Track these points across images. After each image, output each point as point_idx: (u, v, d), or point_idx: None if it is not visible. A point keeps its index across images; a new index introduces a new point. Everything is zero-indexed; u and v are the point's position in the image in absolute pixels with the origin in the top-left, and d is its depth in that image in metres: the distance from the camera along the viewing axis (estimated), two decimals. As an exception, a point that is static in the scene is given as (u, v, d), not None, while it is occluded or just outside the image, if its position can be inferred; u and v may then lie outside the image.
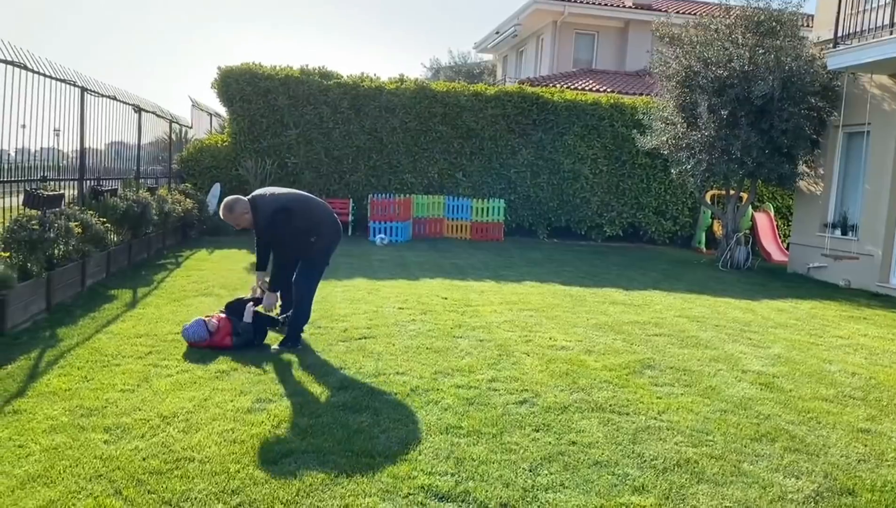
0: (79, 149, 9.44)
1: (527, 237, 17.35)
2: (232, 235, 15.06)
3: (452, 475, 3.81)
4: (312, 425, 4.42)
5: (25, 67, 7.64)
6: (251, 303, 6.40)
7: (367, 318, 7.46)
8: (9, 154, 7.91)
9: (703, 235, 17.74)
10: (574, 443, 4.32)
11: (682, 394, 5.41)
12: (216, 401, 4.80)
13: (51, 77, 8.26)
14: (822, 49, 13.36)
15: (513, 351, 6.36)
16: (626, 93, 20.69)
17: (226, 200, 6.23)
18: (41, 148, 8.70)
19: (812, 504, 3.74)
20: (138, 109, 12.21)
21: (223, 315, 6.36)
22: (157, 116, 13.89)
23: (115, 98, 10.80)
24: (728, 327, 8.04)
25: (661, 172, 17.43)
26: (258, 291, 6.54)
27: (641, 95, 19.41)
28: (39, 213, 7.68)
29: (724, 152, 13.56)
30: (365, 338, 6.64)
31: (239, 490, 3.55)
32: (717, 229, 17.49)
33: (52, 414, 4.47)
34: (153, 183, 13.32)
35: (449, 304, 8.44)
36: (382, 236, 14.93)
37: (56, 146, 9.15)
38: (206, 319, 6.23)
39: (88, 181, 9.81)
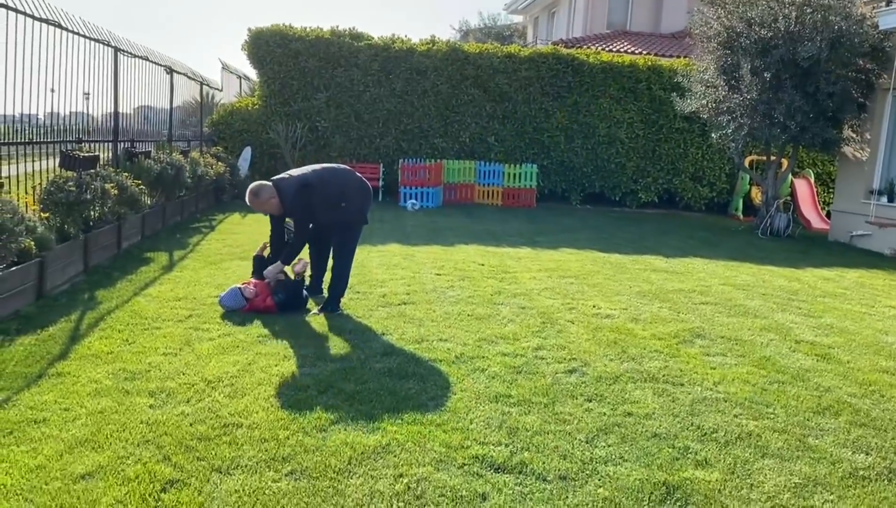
0: (113, 111, 9.35)
1: (559, 204, 17.10)
2: (263, 199, 15.01)
3: (506, 445, 3.69)
4: (359, 391, 4.32)
5: (59, 26, 7.52)
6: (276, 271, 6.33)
7: (405, 284, 7.33)
8: (39, 118, 7.83)
9: (741, 201, 17.35)
10: (630, 414, 4.17)
11: (735, 364, 5.23)
12: (260, 366, 4.71)
13: (85, 36, 8.14)
14: (873, 8, 12.84)
15: (557, 319, 6.20)
16: (663, 55, 20.18)
17: (251, 186, 6.13)
18: (72, 112, 8.63)
19: (885, 481, 3.56)
20: (170, 71, 12.09)
21: (259, 280, 6.29)
22: (189, 77, 13.77)
23: (147, 59, 10.68)
24: (775, 295, 7.81)
25: (698, 136, 17.03)
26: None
27: (678, 57, 18.89)
28: (76, 174, 7.63)
29: (766, 117, 13.15)
30: (405, 304, 6.52)
31: (290, 458, 3.46)
32: (756, 195, 17.10)
33: (95, 377, 4.40)
34: (185, 146, 13.24)
35: (486, 270, 8.29)
36: (414, 201, 14.76)
37: (86, 110, 9.07)
38: (242, 286, 6.14)
39: (122, 143, 9.74)
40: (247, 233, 10.42)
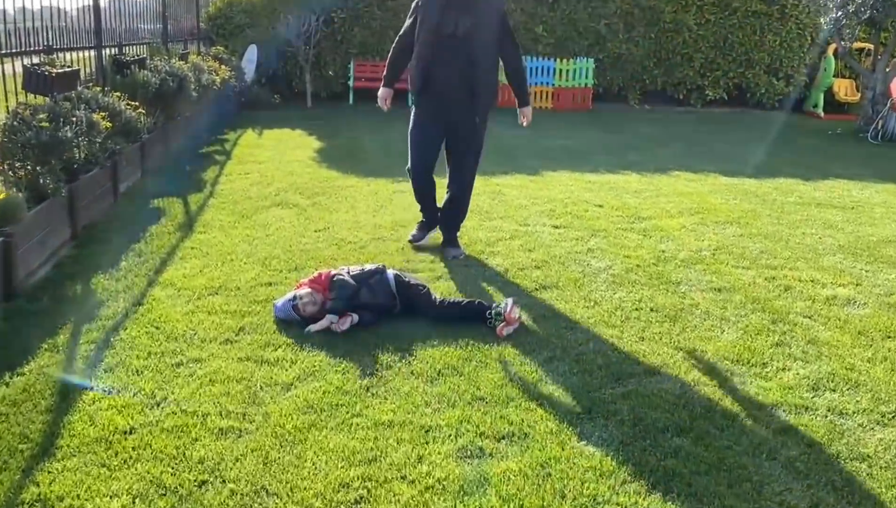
0: (92, 3, 6.94)
1: (616, 104, 14.77)
2: (275, 109, 12.67)
3: None
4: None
5: None
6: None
7: (523, 248, 5.26)
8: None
9: (822, 96, 15.04)
10: None
11: None
12: (396, 461, 2.70)
13: None
14: None
15: (784, 312, 4.18)
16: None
17: None
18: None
19: None
20: (159, -50, 9.51)
21: (326, 273, 4.07)
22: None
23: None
24: None
25: (776, 21, 14.58)
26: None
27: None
28: (49, 100, 5.41)
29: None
30: (544, 288, 4.47)
31: None
32: (841, 90, 14.83)
33: (112, 513, 2.40)
34: (182, 48, 10.78)
35: (612, 216, 6.20)
36: (458, 107, 12.40)
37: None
38: (299, 290, 3.97)
39: (108, 49, 7.38)
40: (272, 161, 8.22)
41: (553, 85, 13.98)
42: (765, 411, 3.11)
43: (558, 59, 14.01)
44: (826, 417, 3.08)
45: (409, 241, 5.20)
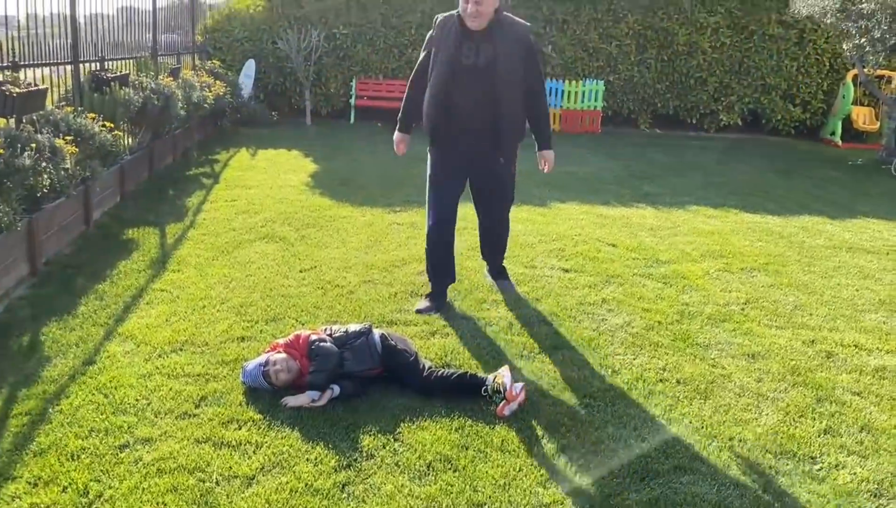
0: (69, 13, 6.46)
1: (624, 128, 14.27)
2: (272, 127, 12.21)
3: None
4: None
5: None
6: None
7: (529, 295, 4.74)
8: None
9: (839, 124, 14.52)
10: None
11: None
12: None
13: None
14: None
15: (828, 388, 3.63)
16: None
17: None
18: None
19: None
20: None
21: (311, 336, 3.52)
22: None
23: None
24: None
25: (794, 45, 14.07)
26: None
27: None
28: (9, 123, 4.91)
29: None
30: (554, 348, 3.95)
31: None
32: (860, 118, 14.32)
33: None
34: (174, 63, 10.30)
35: (626, 257, 5.67)
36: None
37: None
38: (271, 356, 3.42)
39: (87, 65, 6.89)
40: (263, 185, 7.71)
41: (561, 107, 13.49)
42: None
43: (567, 81, 13.54)
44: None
45: (416, 311, 4.35)
